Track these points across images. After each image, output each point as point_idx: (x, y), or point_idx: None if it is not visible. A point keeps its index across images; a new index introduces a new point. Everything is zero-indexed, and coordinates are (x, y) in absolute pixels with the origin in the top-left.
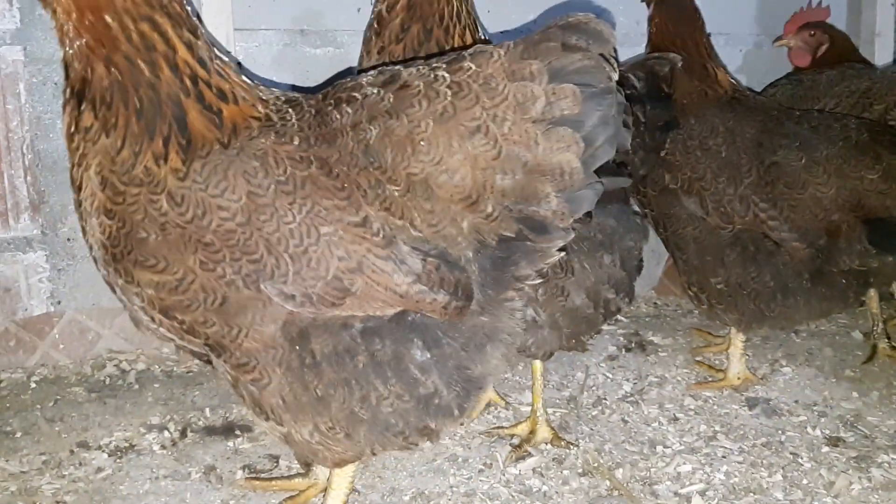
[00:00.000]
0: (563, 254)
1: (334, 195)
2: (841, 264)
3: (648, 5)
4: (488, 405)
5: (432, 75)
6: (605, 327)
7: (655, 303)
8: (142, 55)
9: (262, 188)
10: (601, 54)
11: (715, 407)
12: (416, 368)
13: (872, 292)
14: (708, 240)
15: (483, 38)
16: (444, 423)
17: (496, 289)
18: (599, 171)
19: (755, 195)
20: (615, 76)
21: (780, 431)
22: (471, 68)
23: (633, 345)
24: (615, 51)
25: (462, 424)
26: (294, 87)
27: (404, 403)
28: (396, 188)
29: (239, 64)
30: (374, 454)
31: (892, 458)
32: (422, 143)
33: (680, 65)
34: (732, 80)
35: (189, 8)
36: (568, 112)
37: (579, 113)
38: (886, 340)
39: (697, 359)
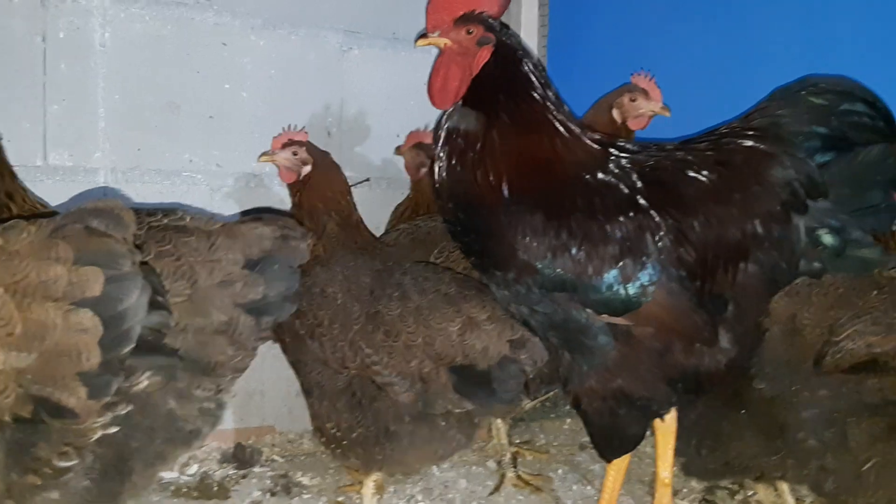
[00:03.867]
0: (103, 432)
1: None
2: (439, 407)
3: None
4: None
5: None
6: (256, 469)
7: None
8: None
9: None
10: (124, 238)
11: None
12: None
13: (500, 422)
14: (328, 385)
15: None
16: None
17: (19, 472)
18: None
19: (362, 341)
20: (138, 258)
21: None
22: None
23: (278, 487)
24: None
25: None
26: None
27: None
28: None
29: None
30: None
31: None
32: None
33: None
34: (370, 233)
35: None
36: (90, 294)
37: (101, 295)
38: (514, 469)
39: (339, 499)
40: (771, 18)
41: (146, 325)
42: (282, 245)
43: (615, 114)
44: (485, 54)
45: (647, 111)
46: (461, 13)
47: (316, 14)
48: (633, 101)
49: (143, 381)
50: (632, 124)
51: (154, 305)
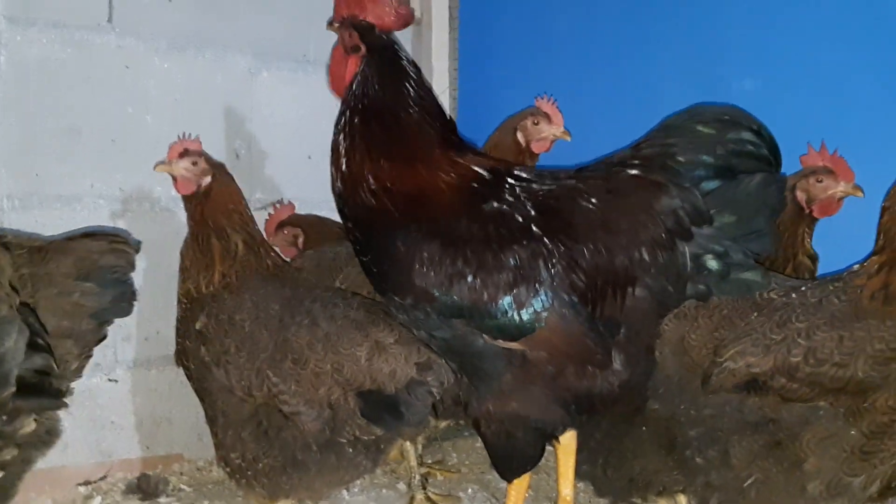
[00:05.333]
0: None
1: None
2: (346, 434)
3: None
4: None
5: None
6: (162, 499)
7: None
8: None
9: None
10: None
11: None
12: None
13: (409, 445)
14: (233, 414)
15: None
16: None
17: None
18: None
19: (269, 370)
20: (16, 302)
21: None
22: None
23: None
24: None
25: None
26: None
27: None
28: None
29: None
30: None
31: None
32: None
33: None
34: (278, 255)
35: None
36: None
37: None
38: (423, 491)
39: None
40: (668, 48)
41: (29, 368)
42: (112, 257)
43: (519, 136)
44: (354, 63)
45: (548, 135)
46: (356, 12)
47: (223, 36)
48: (536, 124)
49: (31, 425)
50: (535, 147)
51: (35, 348)
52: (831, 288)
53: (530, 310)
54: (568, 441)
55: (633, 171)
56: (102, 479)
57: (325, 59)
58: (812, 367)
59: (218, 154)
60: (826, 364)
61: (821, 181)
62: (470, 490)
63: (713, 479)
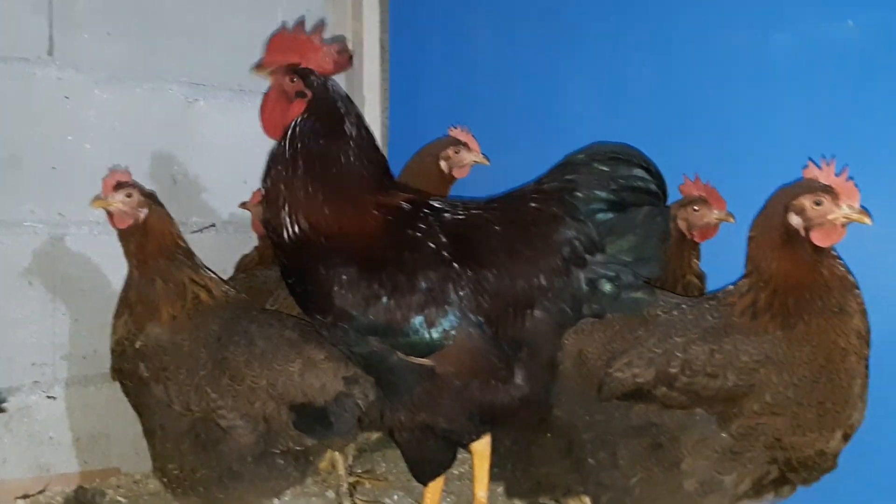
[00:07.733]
0: None
1: None
2: (280, 445)
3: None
4: None
5: None
6: None
7: None
8: None
9: None
10: None
11: None
12: None
13: (338, 455)
14: (171, 427)
15: None
16: None
17: None
18: None
19: (208, 386)
20: None
21: None
22: None
23: None
24: None
25: None
26: None
27: None
28: None
29: None
30: None
31: None
32: None
33: None
34: (222, 281)
35: None
36: None
37: None
38: (350, 498)
39: None
40: (581, 81)
41: None
42: None
43: (443, 165)
44: (298, 107)
45: (469, 161)
46: (294, 60)
47: (160, 68)
48: (458, 153)
49: None
50: (457, 173)
51: None
52: (706, 306)
53: (440, 329)
54: (482, 447)
55: (535, 204)
56: (41, 492)
57: (260, 90)
58: (688, 377)
59: (156, 179)
60: (700, 375)
61: (697, 210)
62: (396, 496)
63: (603, 479)
